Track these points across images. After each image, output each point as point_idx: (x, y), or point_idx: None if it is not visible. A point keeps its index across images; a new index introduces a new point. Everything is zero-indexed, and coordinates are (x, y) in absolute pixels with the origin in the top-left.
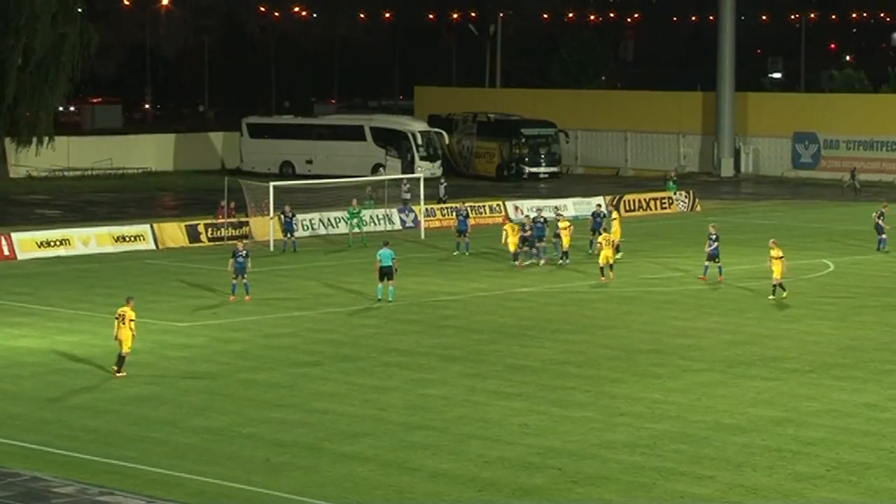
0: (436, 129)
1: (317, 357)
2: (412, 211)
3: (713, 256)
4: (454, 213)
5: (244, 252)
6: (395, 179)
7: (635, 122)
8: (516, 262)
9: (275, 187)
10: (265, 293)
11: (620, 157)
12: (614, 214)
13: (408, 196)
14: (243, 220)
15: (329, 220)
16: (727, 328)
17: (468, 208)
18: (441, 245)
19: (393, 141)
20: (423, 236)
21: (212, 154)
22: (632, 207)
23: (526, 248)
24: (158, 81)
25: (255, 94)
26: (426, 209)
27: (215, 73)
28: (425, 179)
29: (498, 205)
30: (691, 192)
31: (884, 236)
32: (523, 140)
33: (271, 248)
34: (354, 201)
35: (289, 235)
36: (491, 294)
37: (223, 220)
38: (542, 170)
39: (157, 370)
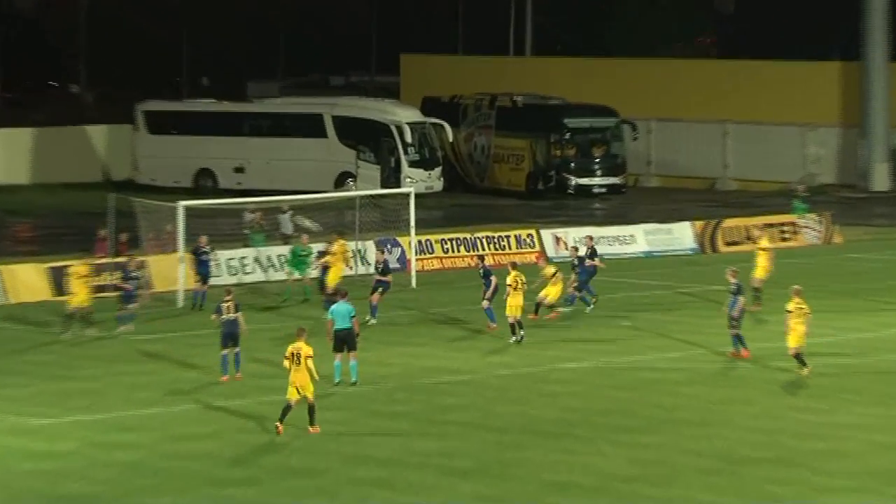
0: (433, 120)
1: (251, 471)
2: (397, 244)
3: (735, 319)
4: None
5: (232, 304)
6: (372, 196)
7: (740, 107)
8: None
9: (187, 209)
10: (171, 371)
11: (717, 162)
12: (763, 242)
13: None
14: (139, 259)
15: (269, 259)
16: (879, 424)
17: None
18: (442, 296)
19: (368, 137)
20: (413, 283)
21: (89, 158)
22: (734, 238)
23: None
24: (9, 48)
25: (157, 66)
26: (420, 242)
27: (96, 36)
28: (418, 196)
29: (529, 235)
30: (826, 216)
31: None
32: (568, 135)
33: (180, 303)
34: (304, 237)
35: (201, 283)
36: (518, 372)
37: (105, 261)
38: (596, 181)
39: None
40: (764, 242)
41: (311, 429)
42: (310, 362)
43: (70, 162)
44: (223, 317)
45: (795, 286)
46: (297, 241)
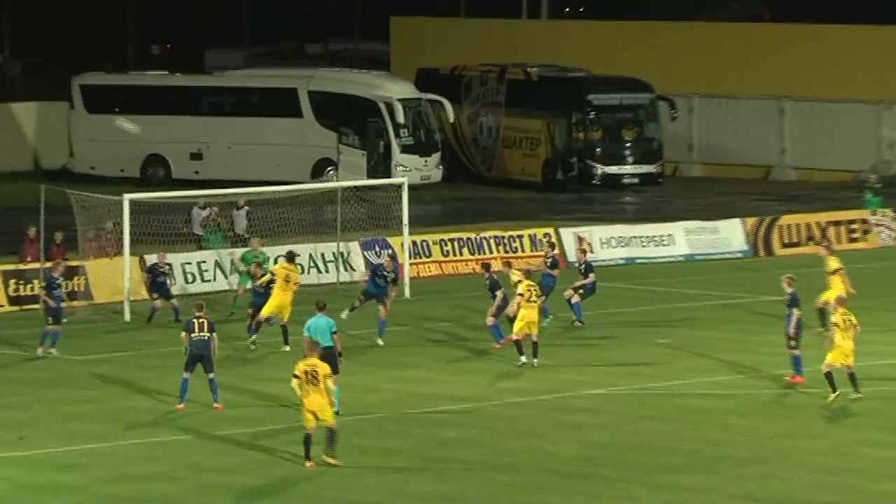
0: (430, 96)
1: None
2: (387, 246)
3: (792, 338)
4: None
5: (205, 322)
6: (357, 188)
7: (799, 81)
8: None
9: (133, 203)
10: (118, 399)
11: (772, 147)
12: (832, 263)
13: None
14: (73, 264)
15: (233, 263)
16: None
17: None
18: (440, 309)
19: (351, 117)
20: (407, 293)
21: (16, 142)
22: (793, 239)
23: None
24: None
25: (97, 31)
26: (415, 243)
27: None
28: (412, 188)
29: (546, 234)
30: None
31: None
32: (592, 114)
33: (126, 317)
34: (255, 241)
35: (156, 294)
36: (532, 400)
37: (35, 265)
38: (627, 169)
39: None
40: (833, 263)
41: (330, 460)
42: (329, 381)
43: None
44: (194, 335)
45: (839, 294)
46: (205, 236)
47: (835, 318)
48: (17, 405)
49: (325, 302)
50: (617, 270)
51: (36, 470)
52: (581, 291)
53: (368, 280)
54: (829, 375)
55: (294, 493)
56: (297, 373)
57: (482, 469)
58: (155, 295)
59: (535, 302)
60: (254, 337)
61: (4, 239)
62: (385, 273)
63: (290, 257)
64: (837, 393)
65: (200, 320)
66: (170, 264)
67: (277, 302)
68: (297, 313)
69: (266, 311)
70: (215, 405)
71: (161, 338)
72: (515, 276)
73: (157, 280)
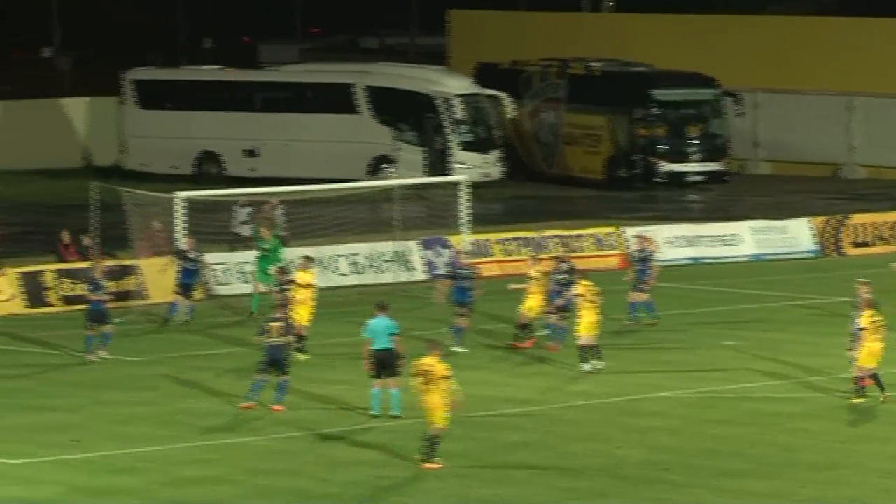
0: (489, 92)
1: None
2: (446, 245)
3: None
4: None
5: (282, 326)
6: (415, 186)
7: (869, 76)
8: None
9: (188, 202)
10: (173, 401)
11: (841, 143)
12: None
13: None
14: (127, 263)
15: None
16: None
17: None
18: (500, 311)
19: (409, 113)
20: None
21: (67, 139)
22: (864, 238)
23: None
24: None
25: (149, 26)
26: (474, 242)
27: None
28: (472, 185)
29: (609, 234)
30: None
31: None
32: (656, 110)
33: (181, 317)
34: (264, 230)
35: (182, 293)
36: (597, 403)
37: (74, 266)
38: (692, 167)
39: None
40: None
41: (427, 464)
42: (446, 384)
43: (42, 143)
44: (268, 340)
45: (865, 295)
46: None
47: (862, 321)
48: (69, 407)
49: (385, 302)
50: (682, 270)
51: (91, 473)
52: (642, 287)
53: (453, 289)
54: (874, 377)
55: (354, 497)
56: (413, 371)
57: (545, 473)
58: (178, 288)
59: (594, 302)
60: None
61: (55, 238)
62: (466, 273)
63: (306, 262)
64: (885, 393)
65: (276, 324)
66: (200, 252)
67: (305, 312)
68: (359, 314)
69: (302, 321)
70: (274, 406)
71: (215, 339)
72: (583, 286)
73: (185, 267)
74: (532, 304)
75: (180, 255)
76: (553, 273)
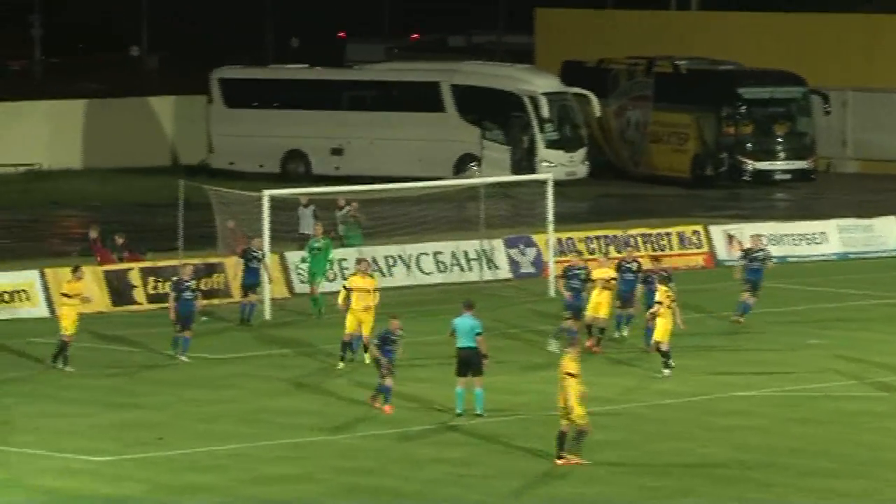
0: (576, 90)
1: None
2: (531, 244)
3: None
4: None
5: (398, 331)
6: (501, 184)
7: None
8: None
9: (273, 200)
10: (256, 399)
11: None
12: None
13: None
14: (213, 262)
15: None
16: None
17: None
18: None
19: (495, 111)
20: (552, 291)
21: (155, 138)
22: None
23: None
24: (53, 4)
25: (236, 24)
26: (560, 241)
27: None
28: (558, 184)
29: (696, 232)
30: None
31: None
32: (743, 109)
33: (266, 315)
34: (318, 227)
35: (248, 292)
36: (681, 402)
37: (174, 262)
38: (779, 165)
39: None
40: None
41: (572, 459)
42: (567, 382)
43: (130, 142)
44: (389, 338)
45: None
46: (345, 229)
47: None
48: (154, 405)
49: (472, 301)
50: (768, 269)
51: (174, 471)
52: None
53: (571, 295)
54: None
55: (438, 495)
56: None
57: (630, 472)
58: (247, 286)
59: (672, 309)
60: (344, 361)
61: (142, 236)
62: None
63: (360, 266)
64: None
65: (396, 327)
66: (263, 252)
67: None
68: (446, 311)
69: (349, 329)
70: (386, 406)
71: (300, 336)
72: (664, 292)
73: (249, 266)
74: (600, 304)
75: (246, 254)
76: (622, 272)
